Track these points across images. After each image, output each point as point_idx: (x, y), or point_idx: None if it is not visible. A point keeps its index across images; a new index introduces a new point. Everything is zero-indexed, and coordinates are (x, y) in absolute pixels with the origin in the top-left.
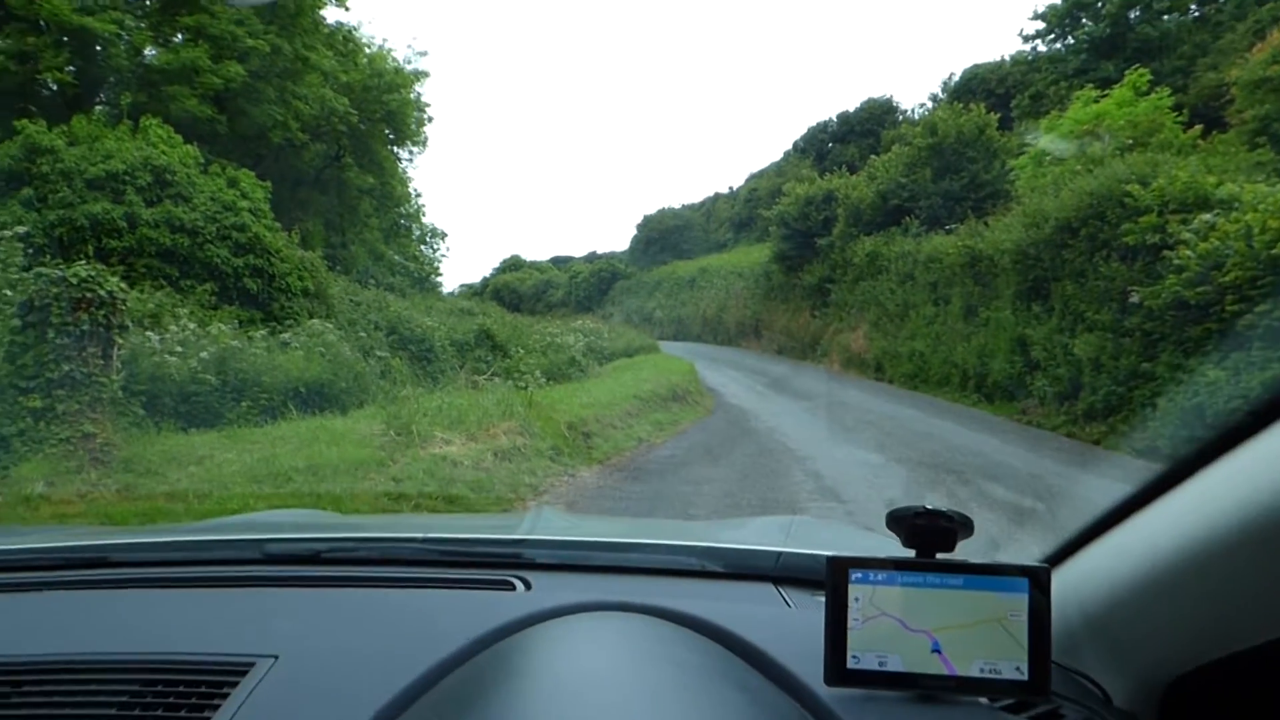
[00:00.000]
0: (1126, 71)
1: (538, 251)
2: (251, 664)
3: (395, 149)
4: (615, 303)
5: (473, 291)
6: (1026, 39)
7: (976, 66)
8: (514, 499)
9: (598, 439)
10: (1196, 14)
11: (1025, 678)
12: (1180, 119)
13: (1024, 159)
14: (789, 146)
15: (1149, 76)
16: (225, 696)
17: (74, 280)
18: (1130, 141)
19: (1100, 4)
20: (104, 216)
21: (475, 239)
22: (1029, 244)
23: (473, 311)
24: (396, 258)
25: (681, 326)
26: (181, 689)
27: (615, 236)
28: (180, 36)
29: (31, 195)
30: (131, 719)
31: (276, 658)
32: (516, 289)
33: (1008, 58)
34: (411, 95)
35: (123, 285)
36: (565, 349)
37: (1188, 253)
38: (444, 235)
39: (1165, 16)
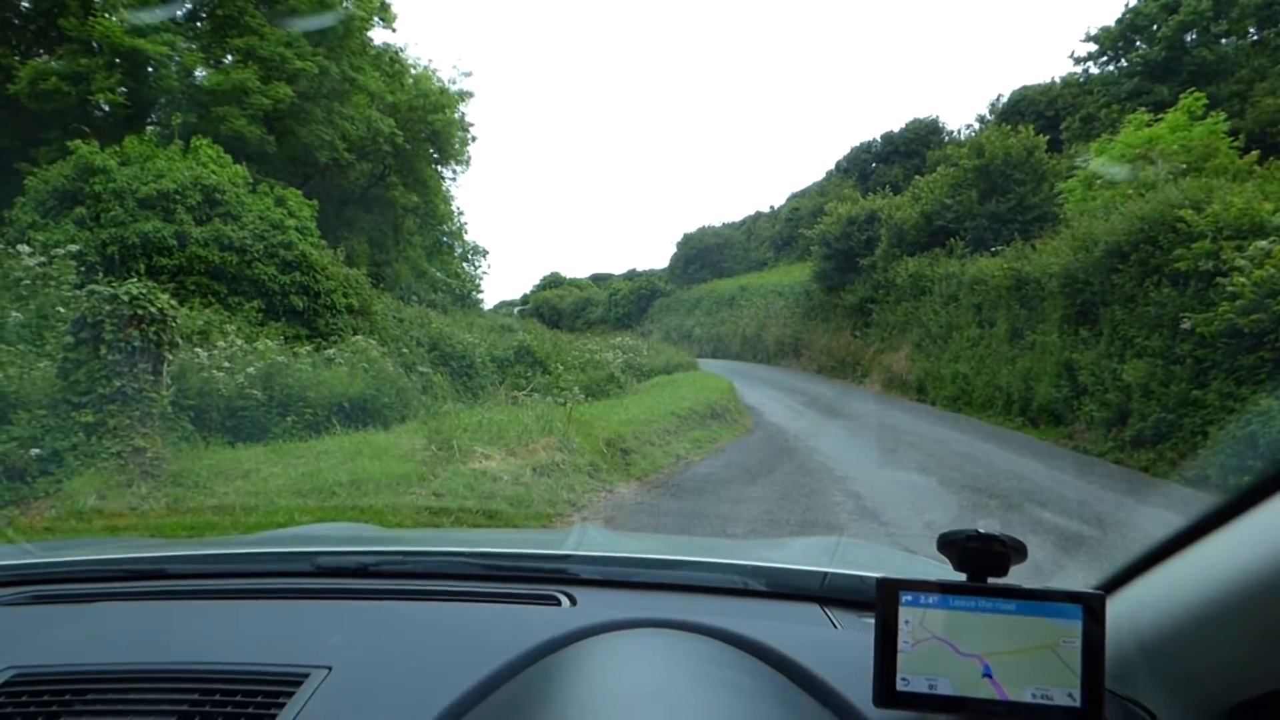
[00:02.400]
0: (1181, 95)
1: (577, 269)
2: (306, 675)
3: (439, 168)
4: (654, 320)
5: (513, 308)
6: (1078, 61)
7: (1026, 88)
8: (553, 514)
9: (636, 455)
10: (1255, 38)
11: (1078, 704)
12: (1236, 144)
13: (1073, 182)
14: (831, 166)
15: (1204, 100)
16: (281, 706)
17: (126, 298)
18: (1184, 166)
19: (1155, 26)
20: (155, 235)
21: (516, 256)
22: (1077, 268)
23: (512, 328)
24: (439, 275)
25: (720, 344)
26: (239, 698)
27: (655, 254)
28: (230, 58)
29: (84, 214)
30: None
31: (330, 669)
32: (556, 306)
33: (1058, 79)
34: (456, 115)
35: (173, 302)
36: (604, 366)
37: (1242, 280)
38: (485, 253)
39: (1223, 40)
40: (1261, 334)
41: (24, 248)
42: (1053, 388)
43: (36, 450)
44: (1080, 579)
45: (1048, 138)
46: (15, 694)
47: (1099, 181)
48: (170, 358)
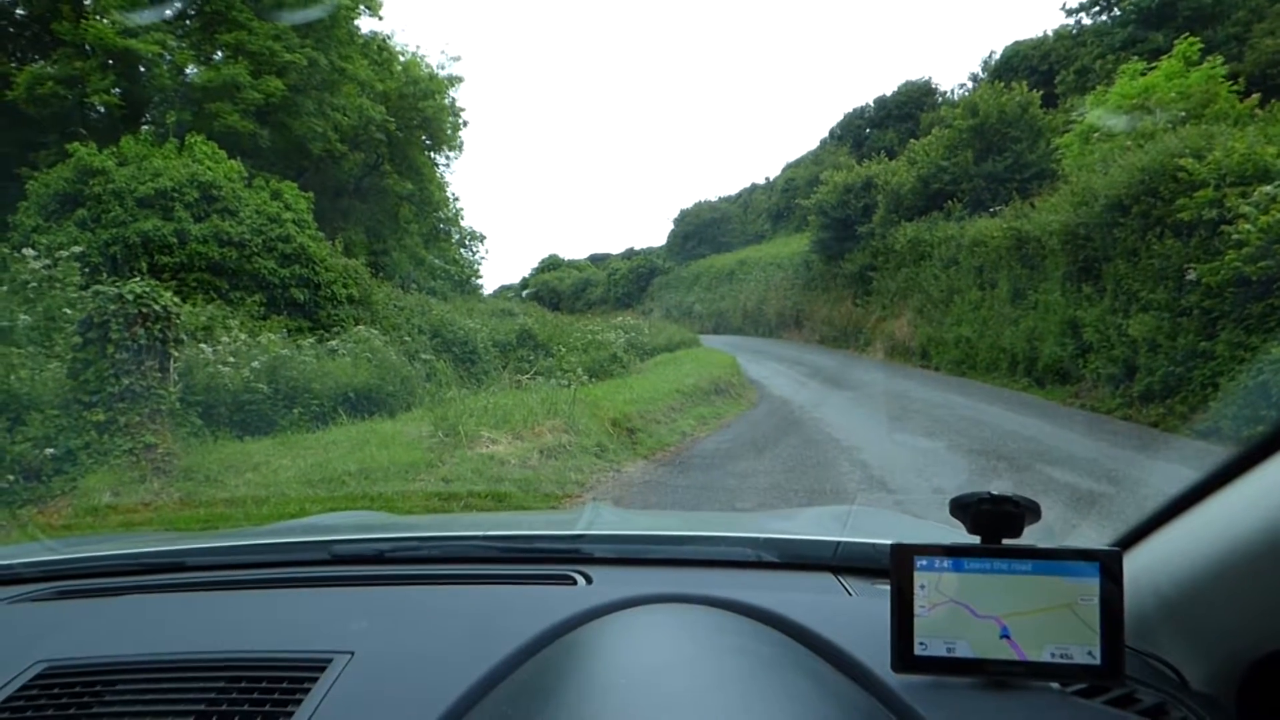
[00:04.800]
0: (1176, 41)
1: (575, 250)
2: (329, 660)
3: (432, 155)
4: (654, 298)
5: (512, 292)
6: (1070, 12)
7: (1018, 44)
8: (561, 496)
9: (642, 434)
10: None
11: (1097, 662)
12: (1236, 88)
13: (1070, 136)
14: (825, 134)
15: (1200, 45)
16: (307, 691)
17: (130, 297)
18: (1183, 114)
19: None
20: (155, 233)
21: (513, 240)
22: (1078, 224)
23: (513, 312)
24: (437, 262)
25: (721, 320)
26: (265, 684)
27: (652, 232)
28: (220, 54)
29: (86, 216)
30: (219, 714)
31: (353, 654)
32: (556, 288)
33: (1050, 33)
34: (446, 100)
35: (176, 299)
36: (606, 346)
37: (1248, 227)
38: (483, 238)
39: None
40: (1270, 281)
41: (29, 251)
42: (1057, 346)
43: (51, 450)
44: (1093, 538)
45: (1042, 93)
46: (48, 686)
47: (1096, 135)
48: (176, 354)
